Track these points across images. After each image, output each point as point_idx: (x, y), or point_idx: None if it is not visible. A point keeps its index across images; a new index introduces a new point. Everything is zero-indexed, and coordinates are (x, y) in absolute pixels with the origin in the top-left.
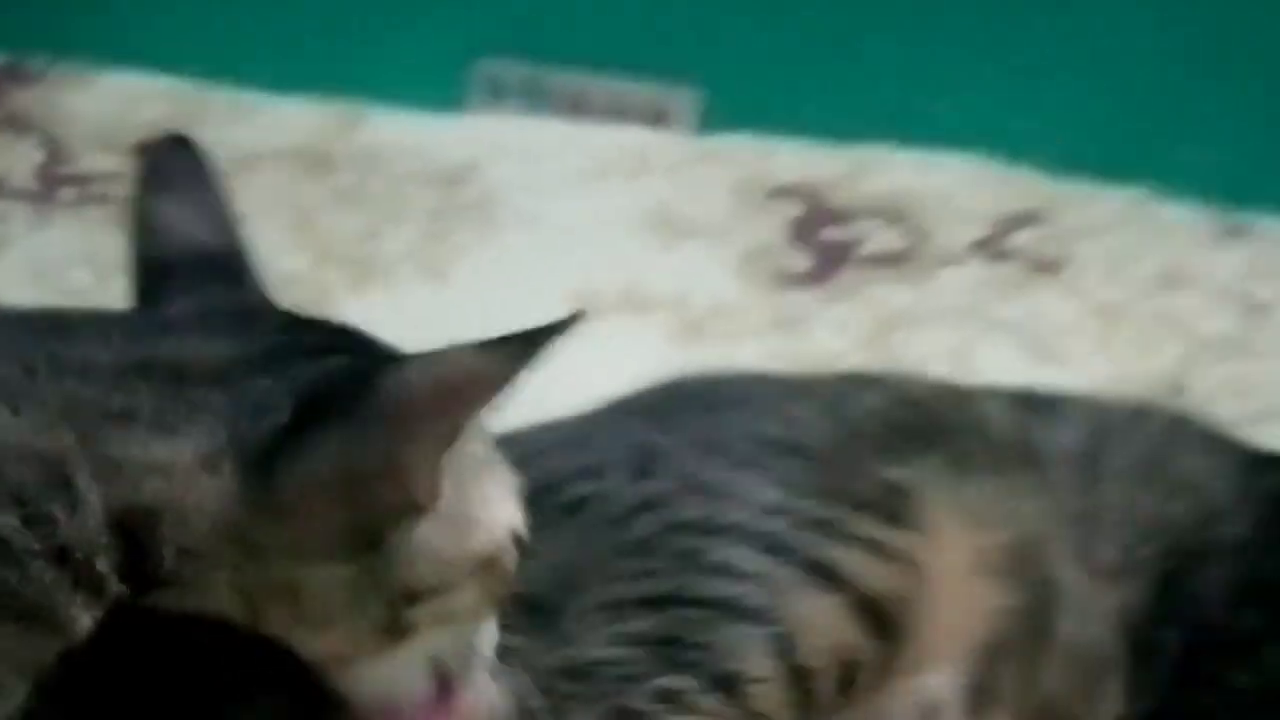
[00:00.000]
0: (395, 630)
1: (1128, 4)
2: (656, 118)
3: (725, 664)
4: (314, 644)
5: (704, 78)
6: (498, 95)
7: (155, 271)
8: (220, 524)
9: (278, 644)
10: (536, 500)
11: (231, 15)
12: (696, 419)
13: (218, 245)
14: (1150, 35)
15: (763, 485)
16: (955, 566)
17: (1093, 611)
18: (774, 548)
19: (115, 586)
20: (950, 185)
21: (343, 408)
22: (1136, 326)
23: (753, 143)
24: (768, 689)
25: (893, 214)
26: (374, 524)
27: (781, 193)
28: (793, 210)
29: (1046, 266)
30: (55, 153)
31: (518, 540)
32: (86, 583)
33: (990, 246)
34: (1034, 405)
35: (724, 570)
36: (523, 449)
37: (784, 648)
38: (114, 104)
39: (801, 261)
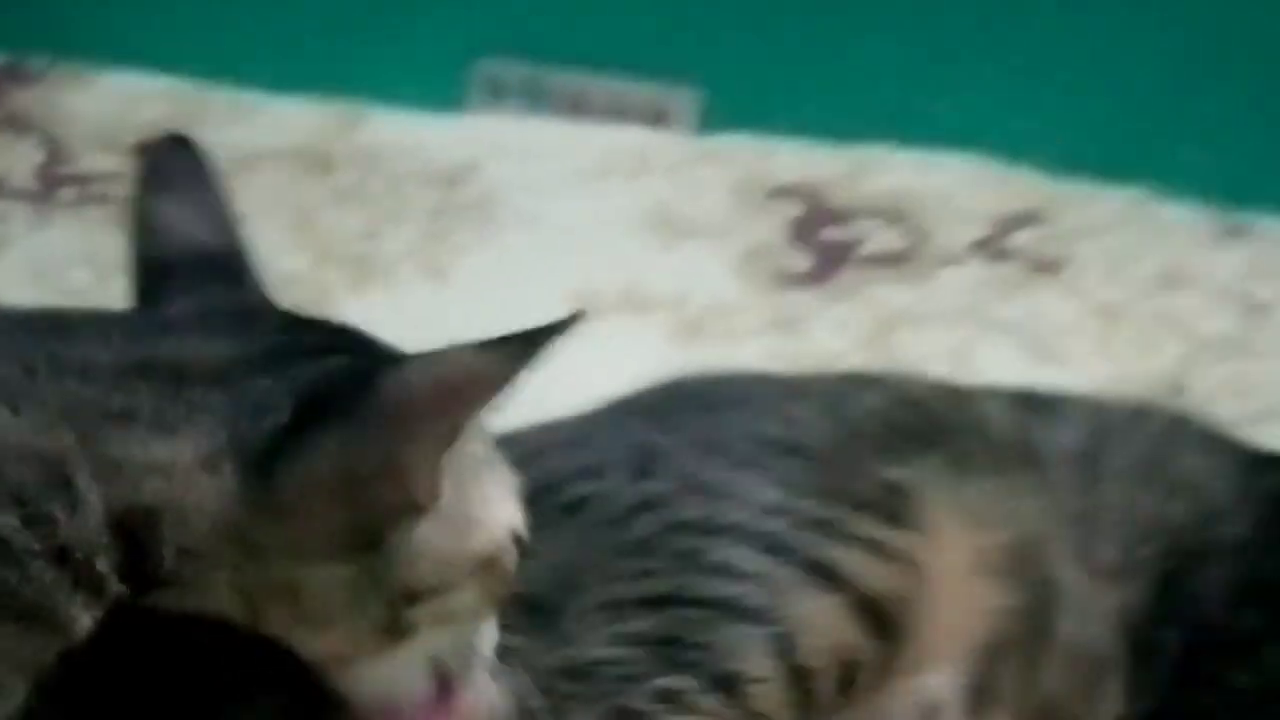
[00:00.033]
0: (395, 630)
1: (1128, 4)
2: (656, 118)
3: (725, 664)
4: (314, 644)
5: (704, 78)
6: (498, 95)
7: (155, 271)
8: (220, 524)
9: (278, 644)
10: (536, 500)
11: (231, 15)
12: (696, 419)
13: (218, 245)
14: (1150, 35)
15: (763, 485)
16: (955, 566)
17: (1093, 611)
18: (774, 548)
19: (115, 586)
20: (950, 185)
21: (343, 408)
22: (1136, 326)
23: (752, 143)
24: (768, 689)
25: (893, 214)
26: (374, 524)
27: (781, 193)
28: (793, 210)
29: (1046, 266)
30: (55, 153)
31: (518, 540)
32: (86, 582)
33: (990, 246)
34: (1034, 405)
35: (724, 570)
36: (523, 449)
37: (784, 648)
38: (114, 104)
39: (801, 261)
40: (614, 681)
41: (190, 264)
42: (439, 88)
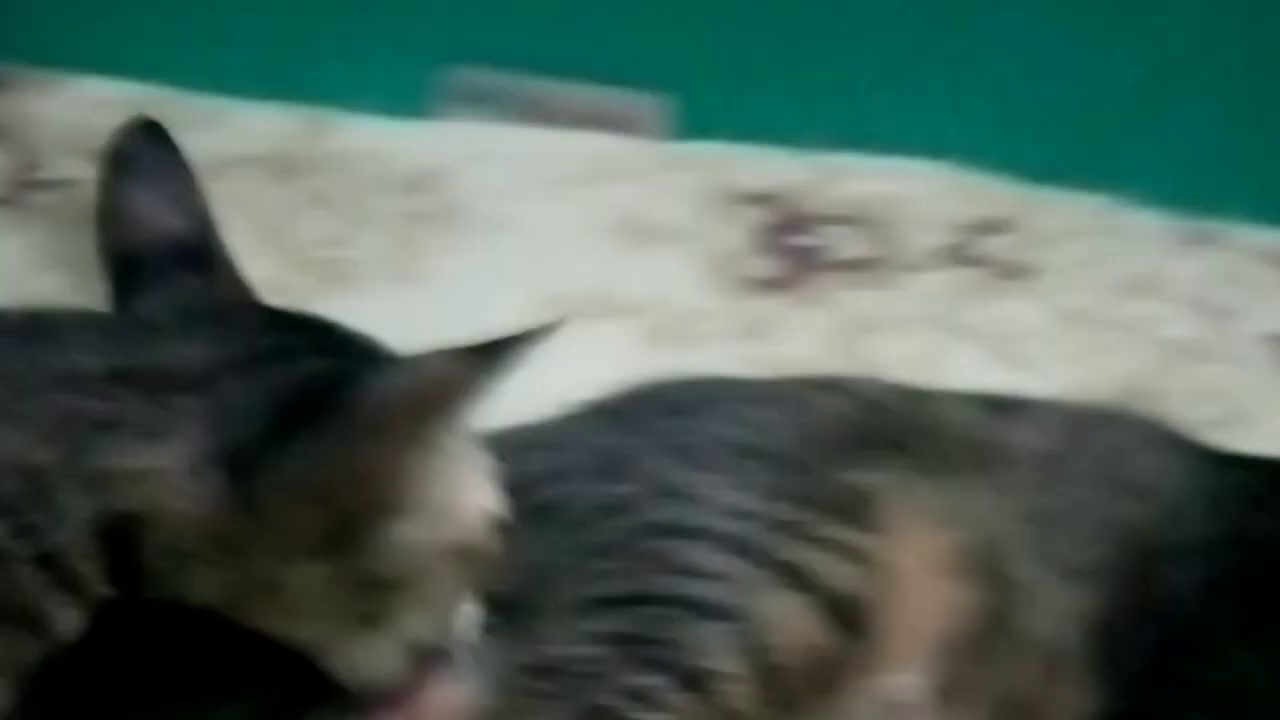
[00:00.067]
0: (374, 618)
1: (1094, 13)
2: (625, 125)
3: (695, 661)
4: (295, 633)
5: (673, 86)
6: (467, 102)
7: (127, 263)
8: (204, 528)
9: (264, 637)
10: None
11: (200, 22)
12: (664, 423)
13: (188, 232)
14: (1116, 44)
15: (729, 489)
16: (920, 567)
17: (1059, 612)
18: (742, 549)
19: (100, 589)
20: (918, 192)
21: (322, 414)
22: (1104, 332)
23: (721, 150)
24: (738, 687)
25: (861, 221)
26: (353, 525)
27: (750, 199)
28: (762, 217)
29: (1014, 273)
30: (24, 159)
31: (499, 524)
32: (71, 586)
33: (958, 253)
34: (998, 407)
35: (693, 570)
36: (491, 452)
37: (753, 646)
38: (83, 110)
39: (770, 268)
40: (584, 679)
41: (161, 254)
42: (408, 95)
